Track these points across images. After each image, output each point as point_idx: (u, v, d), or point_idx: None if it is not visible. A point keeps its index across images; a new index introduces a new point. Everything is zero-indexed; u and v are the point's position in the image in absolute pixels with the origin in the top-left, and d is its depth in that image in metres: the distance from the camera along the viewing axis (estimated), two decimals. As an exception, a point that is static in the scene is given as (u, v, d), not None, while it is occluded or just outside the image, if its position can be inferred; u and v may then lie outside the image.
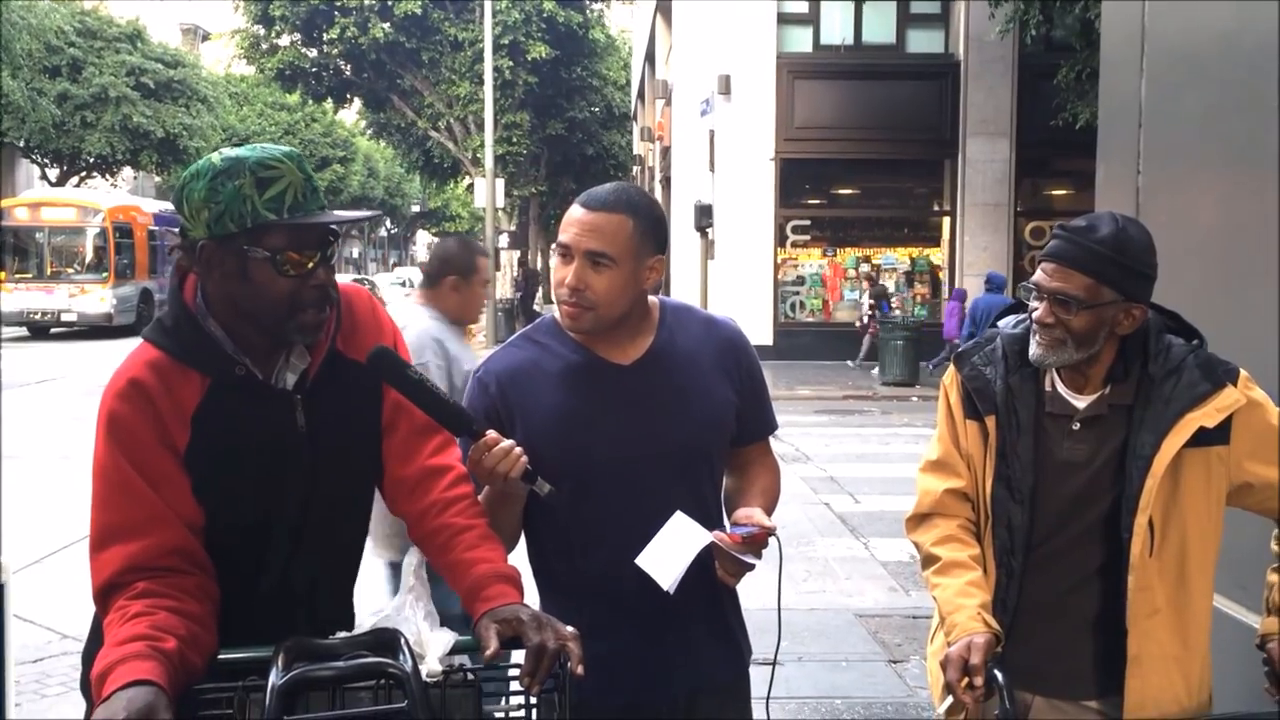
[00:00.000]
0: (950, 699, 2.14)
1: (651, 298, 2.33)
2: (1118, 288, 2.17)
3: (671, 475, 2.25)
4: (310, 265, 1.90)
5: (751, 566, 2.19)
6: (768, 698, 2.31)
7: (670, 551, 2.13)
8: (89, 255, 26.23)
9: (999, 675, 2.09)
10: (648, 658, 2.25)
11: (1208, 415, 2.17)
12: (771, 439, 2.49)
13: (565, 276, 2.18)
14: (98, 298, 25.44)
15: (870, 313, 19.40)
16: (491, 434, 2.06)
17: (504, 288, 29.72)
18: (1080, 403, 2.27)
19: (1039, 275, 2.22)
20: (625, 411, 2.24)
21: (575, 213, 2.20)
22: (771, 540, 2.18)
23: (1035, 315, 2.21)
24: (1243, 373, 2.23)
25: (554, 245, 2.41)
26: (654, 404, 2.25)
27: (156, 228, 27.85)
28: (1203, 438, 2.18)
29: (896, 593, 6.79)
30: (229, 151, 1.90)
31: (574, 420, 2.22)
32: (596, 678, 1.90)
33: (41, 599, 6.07)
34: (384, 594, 3.82)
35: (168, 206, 29.53)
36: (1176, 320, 2.32)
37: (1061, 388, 2.29)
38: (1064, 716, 2.28)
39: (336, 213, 1.96)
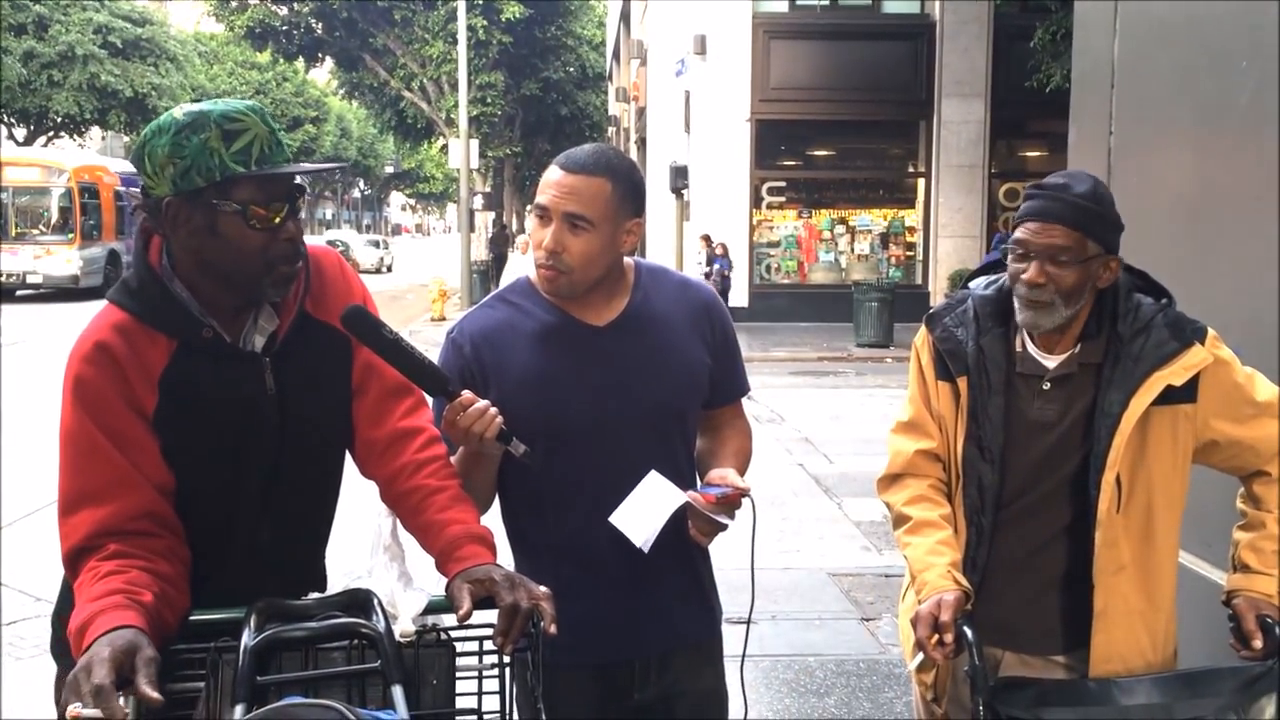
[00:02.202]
0: (921, 656, 2.16)
1: (627, 260, 2.32)
2: (1100, 240, 2.18)
3: (645, 436, 2.25)
4: (278, 218, 1.88)
5: (724, 526, 2.20)
6: (743, 656, 2.32)
7: (645, 510, 2.14)
8: (54, 216, 25.56)
9: (968, 632, 2.12)
10: (621, 617, 2.26)
11: (1175, 373, 2.19)
12: (746, 400, 2.50)
13: (543, 239, 2.17)
14: (64, 259, 24.85)
15: (706, 272, 19.41)
16: (467, 394, 2.05)
17: (479, 249, 29.57)
18: (1050, 362, 2.28)
19: (1023, 234, 2.20)
20: (599, 372, 2.23)
21: (553, 174, 2.18)
22: (745, 500, 2.20)
23: (1025, 277, 2.18)
24: (1210, 331, 2.25)
25: (530, 206, 2.40)
26: (628, 365, 2.25)
27: (123, 188, 27.06)
28: (1170, 396, 2.20)
29: (869, 552, 6.85)
30: (191, 106, 1.87)
31: (548, 381, 2.21)
32: (569, 637, 1.91)
33: (14, 563, 6.04)
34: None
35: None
36: (1145, 280, 2.33)
37: (1032, 348, 2.30)
38: (1033, 672, 2.31)
39: (302, 164, 1.95)
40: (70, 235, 25.23)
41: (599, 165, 2.17)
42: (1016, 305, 2.24)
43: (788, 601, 5.77)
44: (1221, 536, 2.39)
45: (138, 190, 1.92)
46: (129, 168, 27.83)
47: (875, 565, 6.53)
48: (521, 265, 17.41)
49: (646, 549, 2.13)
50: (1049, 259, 2.16)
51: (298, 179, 1.91)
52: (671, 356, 2.29)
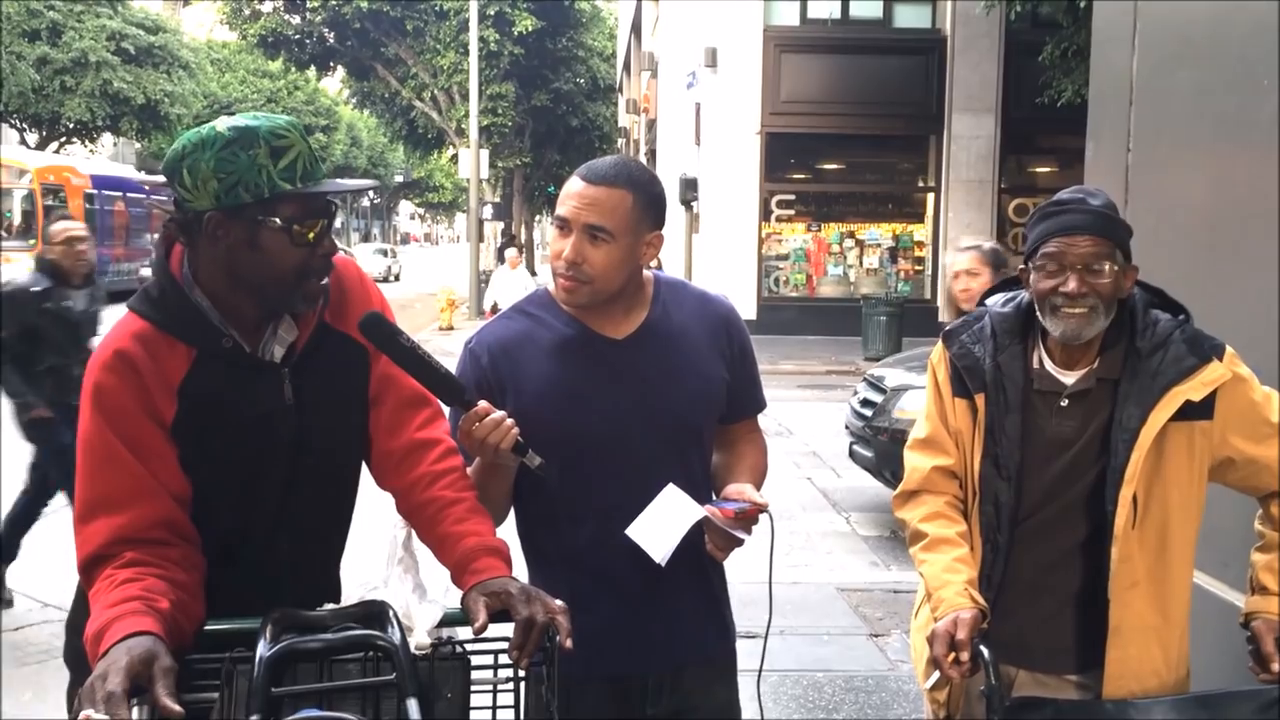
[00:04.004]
0: (936, 674, 2.15)
1: (646, 272, 2.32)
2: (1123, 248, 2.20)
3: (662, 450, 2.24)
4: (317, 233, 1.89)
5: (741, 542, 2.19)
6: (759, 671, 2.30)
7: (662, 524, 2.13)
8: (15, 220, 24.16)
9: (984, 651, 2.11)
10: (636, 631, 2.25)
11: (1194, 389, 2.19)
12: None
13: (563, 249, 2.16)
14: (24, 267, 24.06)
15: None
16: (483, 404, 2.04)
17: (487, 259, 29.61)
18: (1068, 379, 2.27)
19: (1056, 248, 2.18)
20: (617, 386, 2.23)
21: (575, 185, 2.18)
22: (763, 516, 2.19)
23: (1067, 289, 2.17)
24: (1228, 349, 2.24)
25: (539, 217, 2.40)
26: (646, 379, 2.24)
27: (95, 190, 25.94)
28: (1187, 412, 2.19)
29: (878, 567, 6.83)
30: (233, 121, 1.87)
31: (566, 393, 2.21)
32: (584, 651, 1.90)
33: (20, 568, 6.04)
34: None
35: (111, 170, 28.15)
36: (1161, 297, 2.33)
37: (1050, 365, 2.29)
38: (1047, 691, 2.30)
39: (340, 181, 1.96)
40: (32, 241, 23.33)
41: (620, 177, 2.17)
42: (1051, 320, 2.22)
43: (796, 616, 5.74)
44: (1238, 557, 2.37)
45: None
46: (106, 170, 26.90)
47: (884, 581, 6.51)
48: (506, 282, 17.21)
49: (664, 564, 2.12)
50: (1086, 268, 2.16)
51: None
52: (689, 370, 2.28)
